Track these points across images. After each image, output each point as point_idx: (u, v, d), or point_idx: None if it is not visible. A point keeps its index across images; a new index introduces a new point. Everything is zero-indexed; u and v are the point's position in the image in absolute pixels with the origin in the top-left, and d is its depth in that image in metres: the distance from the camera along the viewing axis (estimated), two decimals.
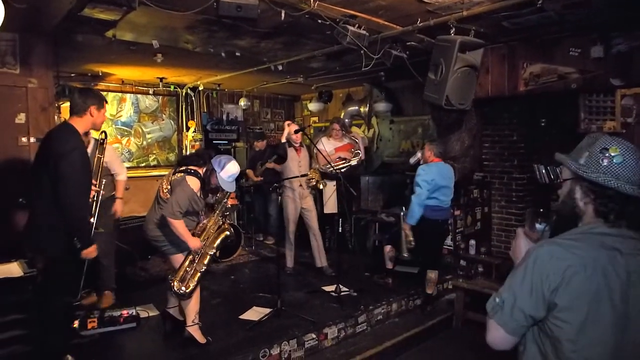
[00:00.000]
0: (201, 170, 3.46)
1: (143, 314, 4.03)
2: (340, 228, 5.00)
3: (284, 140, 5.07)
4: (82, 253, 2.96)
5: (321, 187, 5.02)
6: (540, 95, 4.92)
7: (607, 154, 1.30)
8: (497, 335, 1.35)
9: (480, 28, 4.21)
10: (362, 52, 4.12)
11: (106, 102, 3.23)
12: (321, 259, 5.31)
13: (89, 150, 4.08)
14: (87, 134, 4.10)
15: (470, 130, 5.58)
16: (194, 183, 3.35)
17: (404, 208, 4.64)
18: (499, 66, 5.08)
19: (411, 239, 4.50)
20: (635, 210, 1.28)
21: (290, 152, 5.08)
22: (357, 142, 6.12)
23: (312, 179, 5.08)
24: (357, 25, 3.84)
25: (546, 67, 4.69)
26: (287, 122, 5.26)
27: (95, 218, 3.63)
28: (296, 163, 5.09)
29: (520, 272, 1.32)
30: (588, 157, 1.34)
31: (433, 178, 4.40)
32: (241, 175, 6.72)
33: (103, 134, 4.04)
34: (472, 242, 5.52)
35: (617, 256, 1.24)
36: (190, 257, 3.38)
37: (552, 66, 4.64)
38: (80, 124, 3.02)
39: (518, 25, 4.16)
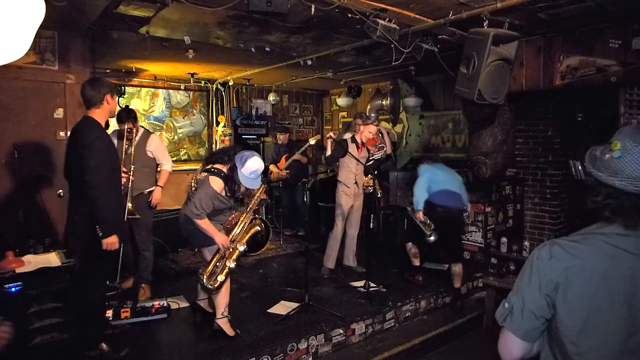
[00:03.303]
0: (225, 168, 3.43)
1: (174, 306, 4.12)
2: (371, 223, 4.95)
3: (328, 153, 4.94)
4: (102, 242, 3.00)
5: (379, 195, 4.89)
6: (577, 89, 4.75)
7: (609, 149, 1.24)
8: (509, 343, 1.30)
9: (514, 20, 4.09)
10: (392, 46, 4.06)
11: (123, 92, 3.30)
12: (352, 258, 5.28)
13: (137, 138, 4.25)
14: (135, 123, 4.25)
15: (503, 125, 5.44)
16: (216, 183, 3.34)
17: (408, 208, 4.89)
18: (534, 59, 4.93)
19: (428, 222, 4.57)
20: (630, 207, 1.19)
21: (352, 148, 4.98)
22: (381, 136, 6.06)
23: (370, 186, 4.94)
24: (387, 19, 3.79)
25: (584, 59, 4.52)
26: (329, 135, 5.00)
27: (129, 205, 3.73)
28: (355, 160, 4.93)
29: (526, 274, 1.28)
30: (600, 152, 1.28)
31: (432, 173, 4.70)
32: (267, 171, 6.76)
33: (130, 124, 4.14)
34: (504, 239, 5.40)
35: (623, 257, 1.17)
36: (221, 252, 3.42)
37: (590, 58, 4.48)
38: (99, 115, 3.09)
39: (555, 17, 4.03)
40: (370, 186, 4.95)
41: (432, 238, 4.58)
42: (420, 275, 4.90)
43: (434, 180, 4.64)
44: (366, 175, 5.17)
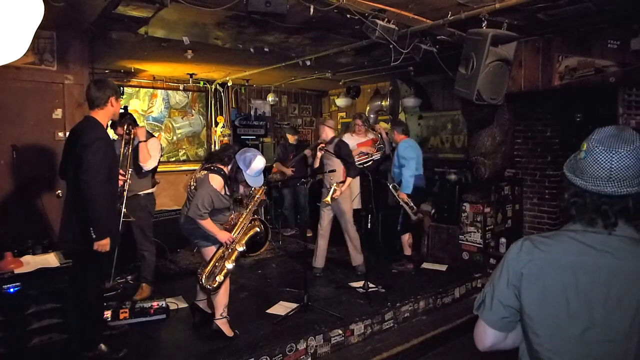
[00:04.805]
0: (226, 168, 3.44)
1: (172, 306, 4.11)
2: (369, 224, 4.96)
3: (316, 165, 5.01)
4: (95, 244, 2.96)
5: (335, 196, 4.77)
6: (576, 90, 4.76)
7: (580, 150, 1.30)
8: (481, 331, 1.36)
9: (513, 20, 4.09)
10: (391, 46, 4.07)
11: (122, 92, 3.27)
12: (354, 257, 5.16)
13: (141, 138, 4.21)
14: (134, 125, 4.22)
15: (502, 125, 5.45)
16: (216, 182, 3.34)
17: (388, 184, 5.31)
18: (533, 60, 4.93)
19: (412, 204, 5.07)
20: (591, 204, 1.24)
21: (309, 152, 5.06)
22: (380, 137, 6.07)
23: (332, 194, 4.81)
24: (386, 19, 3.79)
25: (583, 60, 4.53)
26: (319, 147, 4.98)
27: (124, 208, 3.72)
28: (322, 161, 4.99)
29: (499, 267, 1.35)
30: (574, 155, 1.34)
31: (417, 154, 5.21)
32: (267, 170, 6.71)
33: (129, 126, 4.13)
34: (503, 240, 5.41)
35: (588, 252, 1.21)
36: (220, 252, 3.41)
37: (589, 59, 4.48)
38: (102, 116, 3.08)
39: (554, 17, 4.03)
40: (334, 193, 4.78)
41: (415, 217, 5.10)
42: (412, 264, 5.21)
43: (418, 162, 5.14)
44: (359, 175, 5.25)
